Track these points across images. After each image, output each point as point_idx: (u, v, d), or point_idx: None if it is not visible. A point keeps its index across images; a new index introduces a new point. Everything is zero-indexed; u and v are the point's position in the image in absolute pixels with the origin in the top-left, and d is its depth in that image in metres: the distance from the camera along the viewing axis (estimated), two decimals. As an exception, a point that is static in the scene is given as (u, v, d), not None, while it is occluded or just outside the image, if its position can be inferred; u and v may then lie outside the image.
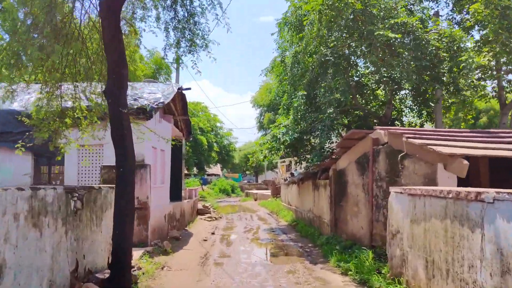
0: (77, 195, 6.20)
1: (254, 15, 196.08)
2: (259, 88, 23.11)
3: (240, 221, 21.06)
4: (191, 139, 37.23)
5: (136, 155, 12.22)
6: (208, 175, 53.08)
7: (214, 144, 38.60)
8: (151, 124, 12.46)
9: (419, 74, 11.50)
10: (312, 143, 16.50)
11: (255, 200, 36.51)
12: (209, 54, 9.20)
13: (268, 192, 36.06)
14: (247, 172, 68.03)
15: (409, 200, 7.07)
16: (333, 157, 12.48)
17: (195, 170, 40.63)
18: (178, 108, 16.08)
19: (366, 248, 9.60)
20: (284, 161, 40.03)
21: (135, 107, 11.77)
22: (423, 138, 8.64)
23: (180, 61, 10.41)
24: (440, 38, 11.64)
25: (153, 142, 12.77)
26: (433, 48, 11.52)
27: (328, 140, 12.77)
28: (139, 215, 11.21)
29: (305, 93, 12.87)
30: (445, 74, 11.71)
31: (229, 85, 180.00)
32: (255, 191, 39.92)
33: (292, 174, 20.57)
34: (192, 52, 9.01)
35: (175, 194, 17.68)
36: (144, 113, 11.69)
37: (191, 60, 9.11)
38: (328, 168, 13.28)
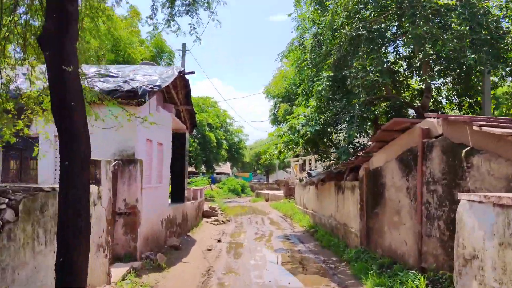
0: (6, 201, 4.07)
1: (265, 14, 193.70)
2: (273, 76, 20.79)
3: (250, 226, 18.90)
4: (197, 134, 35.20)
5: (125, 148, 10.11)
6: (217, 173, 50.99)
7: (224, 141, 36.48)
8: (145, 111, 10.33)
9: (475, 52, 9.19)
10: (335, 139, 14.27)
11: (266, 201, 34.33)
12: (212, 16, 7.01)
13: (280, 193, 33.84)
14: (258, 172, 65.85)
15: (497, 213, 4.80)
16: (365, 153, 10.23)
17: (203, 168, 38.59)
18: (180, 96, 13.94)
19: (413, 271, 7.38)
20: (297, 161, 37.77)
21: (124, 89, 9.66)
22: (501, 127, 6.38)
23: (178, 31, 8.19)
24: (504, 5, 9.33)
25: (147, 133, 10.66)
26: (494, 18, 9.22)
27: (360, 133, 10.53)
28: (126, 221, 9.10)
29: (332, 74, 10.61)
30: (510, 51, 9.39)
31: (240, 84, 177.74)
32: (266, 192, 37.71)
33: (309, 174, 18.34)
34: (190, 13, 6.83)
35: (177, 195, 15.59)
36: (135, 96, 9.58)
37: (190, 24, 6.92)
38: (357, 167, 11.05)
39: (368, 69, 9.52)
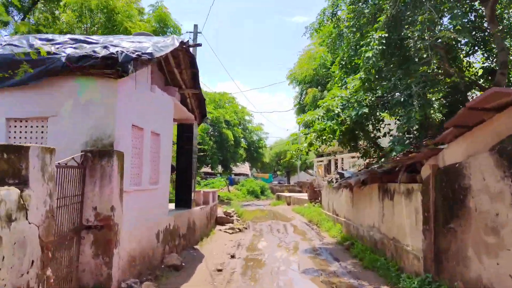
0: None
1: (287, 15, 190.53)
2: (299, 58, 17.86)
3: (271, 235, 16.13)
4: (213, 131, 32.65)
5: (101, 136, 6.70)
6: (236, 174, 48.40)
7: (242, 139, 33.85)
8: (129, 87, 7.71)
9: None
10: (382, 127, 11.35)
11: (288, 204, 31.48)
12: None
13: (303, 196, 30.96)
14: (278, 173, 62.98)
15: None
16: (433, 145, 7.33)
17: (219, 168, 36.02)
18: (185, 77, 11.28)
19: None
20: (321, 161, 34.82)
21: (99, 55, 7.03)
22: None
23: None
24: None
25: (135, 118, 8.06)
26: None
27: (424, 118, 7.66)
28: (97, 238, 6.46)
29: (385, 34, 7.73)
30: None
31: (260, 86, 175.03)
32: (287, 194, 34.84)
33: (341, 175, 15.47)
34: None
35: (183, 199, 12.95)
36: (114, 65, 6.93)
37: None
38: (417, 164, 8.18)
39: (439, 24, 6.66)
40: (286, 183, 59.47)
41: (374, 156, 12.26)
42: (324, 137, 10.40)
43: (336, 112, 8.97)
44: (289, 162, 55.63)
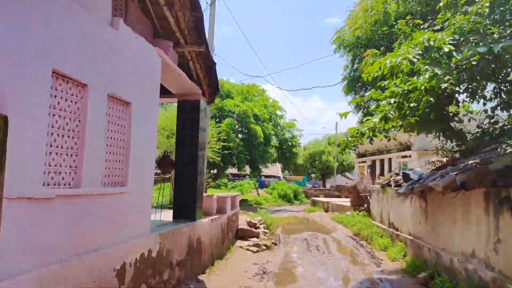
0: None
1: (319, 17, 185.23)
2: (348, 16, 13.70)
3: (309, 254, 12.17)
4: (240, 127, 28.96)
5: None
6: (266, 176, 44.56)
7: (272, 137, 29.95)
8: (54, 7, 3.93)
9: None
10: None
11: (326, 211, 27.27)
12: None
13: (343, 202, 26.74)
14: (312, 175, 58.63)
15: None
16: None
17: (247, 169, 32.27)
18: (183, 25, 7.50)
19: None
20: (364, 161, 30.46)
21: None
22: None
23: None
24: None
25: (60, 61, 4.26)
26: None
27: None
28: None
29: None
30: None
31: (293, 87, 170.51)
32: (324, 199, 30.53)
33: (405, 176, 11.30)
34: None
35: (183, 207, 9.18)
36: None
37: None
38: None
39: None
40: (321, 187, 55.12)
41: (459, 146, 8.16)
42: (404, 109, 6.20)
43: (446, 51, 4.97)
44: (325, 163, 51.34)
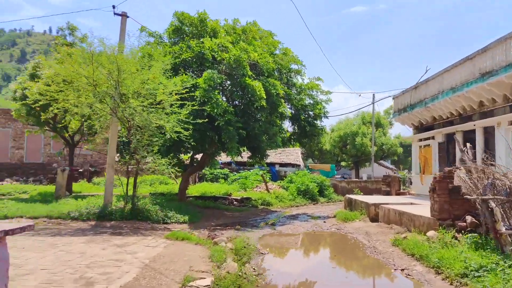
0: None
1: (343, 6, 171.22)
2: None
3: None
4: (231, 83, 18.13)
5: None
6: (282, 165, 33.63)
7: (282, 100, 18.96)
8: None
9: None
10: None
11: (374, 220, 16.05)
12: None
13: (403, 204, 15.63)
14: (342, 164, 47.29)
15: None
16: None
17: (244, 155, 21.47)
18: None
19: None
20: (431, 137, 19.11)
21: None
22: None
23: None
24: None
25: None
26: None
27: None
28: None
29: None
30: None
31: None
32: (369, 200, 18.64)
33: None
34: None
35: None
36: None
37: None
38: None
39: None
40: (351, 178, 43.84)
41: None
42: None
43: None
44: (359, 148, 39.88)
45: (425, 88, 17.82)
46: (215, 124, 16.76)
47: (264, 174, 29.25)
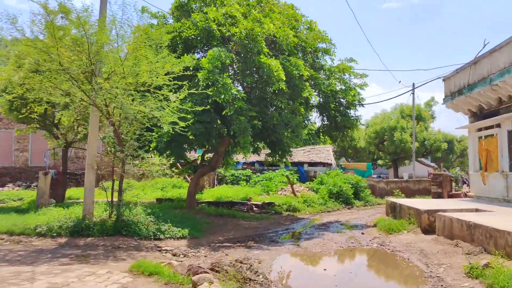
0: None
1: (378, 2, 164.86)
2: None
3: None
4: (228, 52, 14.03)
5: None
6: (311, 164, 30.04)
7: (307, 84, 15.50)
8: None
9: None
10: None
11: (426, 231, 12.18)
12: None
13: (477, 217, 11.94)
14: (379, 162, 43.14)
15: None
16: None
17: (260, 151, 18.03)
18: None
19: None
20: (493, 126, 15.17)
21: None
22: None
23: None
24: None
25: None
26: None
27: None
28: None
29: None
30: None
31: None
32: (414, 205, 14.90)
33: None
34: None
35: None
36: None
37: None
38: None
39: None
40: (391, 177, 39.69)
41: None
42: None
43: None
44: (398, 144, 35.67)
45: (489, 61, 13.93)
46: (223, 114, 13.56)
47: (291, 174, 25.82)
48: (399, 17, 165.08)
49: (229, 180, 26.94)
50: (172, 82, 11.27)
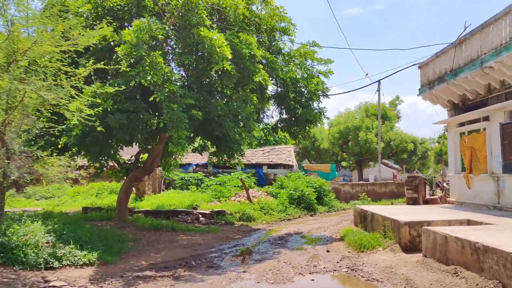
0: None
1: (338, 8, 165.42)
2: None
3: None
4: (159, 23, 11.08)
5: None
6: (270, 166, 27.22)
7: (260, 66, 12.64)
8: None
9: None
10: None
11: (409, 249, 9.72)
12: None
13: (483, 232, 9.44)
14: (343, 164, 40.98)
15: None
16: None
17: (198, 147, 14.86)
18: None
19: None
20: (477, 120, 12.83)
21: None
22: None
23: None
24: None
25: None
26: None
27: None
28: None
29: None
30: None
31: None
32: (390, 215, 12.26)
33: None
34: None
35: None
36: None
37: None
38: None
39: None
40: (356, 180, 37.63)
41: None
42: None
43: None
44: (363, 145, 33.50)
45: (479, 39, 11.53)
46: (151, 101, 10.51)
47: (248, 177, 22.94)
48: (360, 23, 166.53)
49: (177, 185, 23.73)
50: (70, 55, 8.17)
